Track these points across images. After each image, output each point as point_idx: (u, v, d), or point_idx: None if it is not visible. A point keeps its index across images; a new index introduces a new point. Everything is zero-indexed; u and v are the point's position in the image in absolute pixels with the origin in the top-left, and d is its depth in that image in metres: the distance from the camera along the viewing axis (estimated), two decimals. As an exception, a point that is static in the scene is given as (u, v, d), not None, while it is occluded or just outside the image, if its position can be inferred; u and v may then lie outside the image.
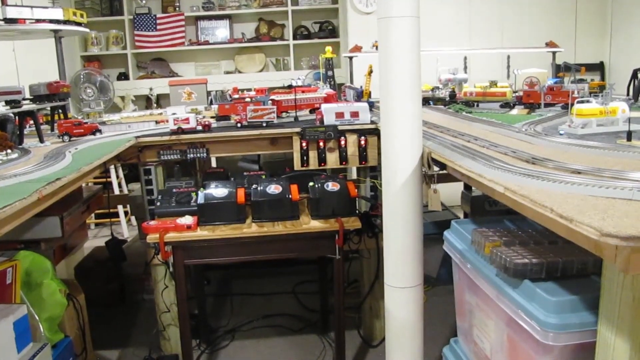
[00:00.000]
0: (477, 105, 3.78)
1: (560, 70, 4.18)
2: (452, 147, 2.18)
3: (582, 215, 1.20)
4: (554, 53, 4.74)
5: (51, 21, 3.77)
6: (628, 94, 3.68)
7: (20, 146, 2.77)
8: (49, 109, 3.41)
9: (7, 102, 2.80)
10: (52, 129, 3.41)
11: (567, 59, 4.34)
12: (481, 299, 2.01)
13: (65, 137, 3.05)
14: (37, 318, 2.35)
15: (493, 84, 3.77)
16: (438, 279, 4.14)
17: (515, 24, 6.47)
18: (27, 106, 2.96)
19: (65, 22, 3.87)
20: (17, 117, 2.86)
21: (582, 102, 2.43)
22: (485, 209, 3.50)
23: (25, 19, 3.63)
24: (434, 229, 3.98)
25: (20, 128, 2.88)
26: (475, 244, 2.01)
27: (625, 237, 1.08)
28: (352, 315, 3.59)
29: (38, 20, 3.71)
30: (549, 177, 1.54)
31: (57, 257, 3.22)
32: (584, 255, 1.63)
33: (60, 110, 3.43)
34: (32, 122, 3.12)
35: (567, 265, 1.64)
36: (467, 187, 3.65)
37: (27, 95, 3.12)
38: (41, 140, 2.96)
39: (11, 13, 3.55)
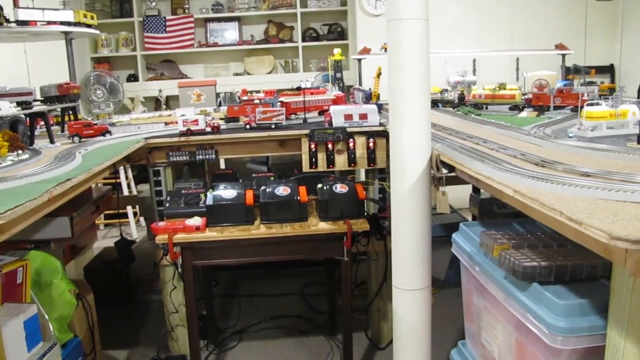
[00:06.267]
0: (486, 108, 3.77)
1: (570, 72, 4.17)
2: (461, 150, 2.18)
3: (592, 218, 1.20)
4: (563, 55, 4.72)
5: (62, 23, 3.80)
6: (639, 97, 3.67)
7: (31, 147, 2.78)
8: (59, 110, 3.43)
9: (18, 103, 2.82)
10: (63, 130, 3.43)
11: (576, 61, 4.32)
12: (489, 302, 2.00)
13: (76, 138, 3.07)
14: (46, 317, 2.36)
15: (502, 86, 3.76)
16: (446, 282, 4.13)
17: (525, 25, 6.45)
18: (37, 107, 2.98)
19: (76, 24, 3.90)
20: (27, 118, 2.88)
21: (592, 104, 2.43)
22: (493, 211, 3.48)
23: (36, 21, 3.66)
24: (442, 232, 3.98)
25: (31, 129, 2.90)
26: (483, 247, 2.00)
27: (635, 241, 1.08)
28: (359, 317, 3.58)
29: (49, 22, 3.73)
30: (558, 179, 1.53)
31: (67, 257, 3.24)
32: (593, 258, 1.62)
33: (70, 112, 3.45)
34: (42, 123, 3.14)
35: (576, 268, 1.64)
36: (476, 190, 3.64)
37: (38, 97, 3.14)
38: (52, 141, 2.97)
39: (23, 15, 3.58)
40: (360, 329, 3.55)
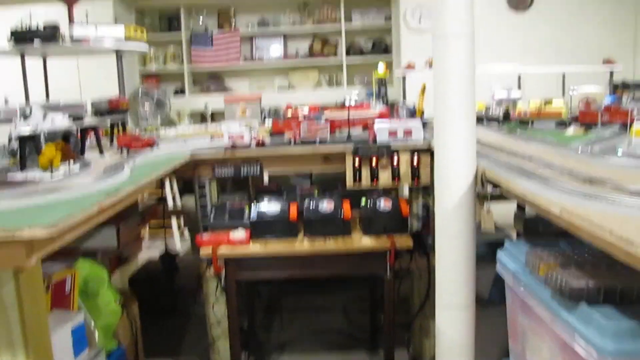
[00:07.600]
0: (532, 124, 3.71)
1: (619, 88, 4.08)
2: (507, 167, 2.16)
3: (643, 238, 1.17)
4: (611, 71, 4.62)
5: (113, 38, 3.89)
6: (691, 114, 3.56)
7: (81, 158, 2.86)
8: (109, 123, 3.52)
9: (71, 117, 2.90)
10: (112, 143, 3.51)
11: (626, 76, 4.24)
12: (534, 322, 1.97)
13: (124, 151, 3.14)
14: (93, 325, 2.41)
15: (548, 102, 3.70)
16: (489, 300, 4.06)
17: (571, 40, 6.34)
18: (89, 120, 3.07)
19: (127, 39, 3.99)
20: (79, 131, 2.96)
21: (643, 122, 2.37)
22: (538, 230, 3.42)
23: (90, 37, 3.76)
24: (486, 250, 3.92)
25: (82, 141, 2.98)
26: (529, 265, 1.97)
27: (688, 263, 1.05)
28: (401, 333, 3.56)
29: (101, 38, 3.83)
30: (607, 198, 1.50)
31: (112, 266, 3.31)
32: (644, 280, 1.58)
33: (119, 125, 3.54)
34: (93, 135, 3.22)
35: (626, 289, 1.60)
36: (521, 208, 3.59)
37: (89, 110, 3.23)
38: (101, 153, 3.05)
39: (77, 32, 3.68)
40: (402, 346, 3.52)
